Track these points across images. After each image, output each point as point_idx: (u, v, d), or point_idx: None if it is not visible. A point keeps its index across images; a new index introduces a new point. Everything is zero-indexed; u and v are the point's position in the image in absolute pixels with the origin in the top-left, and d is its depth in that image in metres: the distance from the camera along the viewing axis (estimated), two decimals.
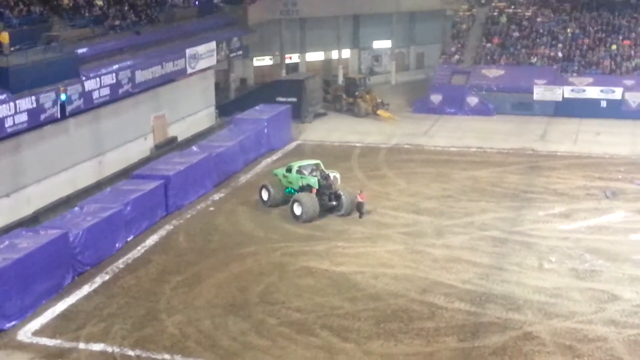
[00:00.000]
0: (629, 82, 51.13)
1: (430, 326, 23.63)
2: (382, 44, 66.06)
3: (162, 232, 32.02)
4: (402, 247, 29.79)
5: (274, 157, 42.80)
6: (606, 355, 21.85)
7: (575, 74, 52.78)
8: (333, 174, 34.27)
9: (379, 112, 50.33)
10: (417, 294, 25.74)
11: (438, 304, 25.08)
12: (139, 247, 30.38)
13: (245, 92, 55.69)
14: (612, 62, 53.43)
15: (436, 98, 53.22)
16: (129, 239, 30.79)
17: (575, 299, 25.28)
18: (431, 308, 24.78)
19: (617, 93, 50.69)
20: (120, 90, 38.01)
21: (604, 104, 50.89)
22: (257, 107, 46.18)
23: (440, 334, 23.16)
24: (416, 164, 40.97)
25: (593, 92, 51.16)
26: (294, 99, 50.00)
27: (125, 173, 37.35)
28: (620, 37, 55.74)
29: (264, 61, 61.30)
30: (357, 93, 51.83)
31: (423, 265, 28.03)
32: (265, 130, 43.33)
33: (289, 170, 34.56)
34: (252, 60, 60.00)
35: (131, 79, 38.70)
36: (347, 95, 52.53)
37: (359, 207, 33.01)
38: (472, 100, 52.71)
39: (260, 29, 57.15)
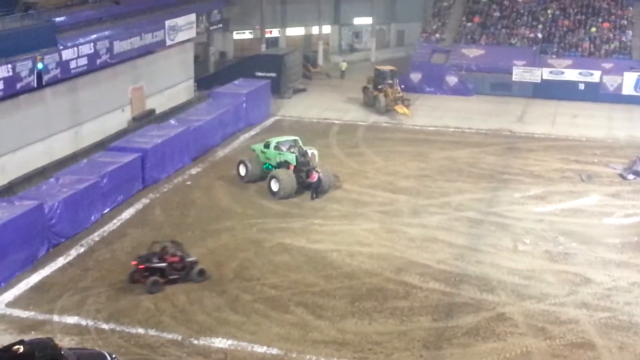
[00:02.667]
0: (607, 65, 51.40)
1: (404, 305, 23.73)
2: (362, 21, 65.84)
3: (138, 206, 31.88)
4: (379, 226, 29.87)
5: (252, 132, 42.68)
6: (577, 338, 22.06)
7: (554, 56, 52.96)
8: (311, 151, 34.22)
9: (397, 107, 46.40)
10: (392, 273, 25.84)
11: (413, 283, 25.19)
12: (115, 220, 30.25)
13: (224, 66, 55.46)
14: (591, 45, 53.65)
15: (416, 76, 53.22)
16: (105, 212, 30.63)
17: (548, 281, 25.51)
18: (406, 287, 24.89)
19: (595, 76, 50.98)
20: (98, 61, 37.66)
21: (582, 86, 51.16)
22: (236, 82, 45.97)
23: (414, 314, 23.27)
24: (394, 143, 41.03)
25: (571, 74, 51.42)
26: (274, 74, 49.78)
27: (102, 145, 37.08)
28: (600, 20, 55.91)
29: (244, 35, 60.99)
30: (380, 86, 47.83)
31: (399, 245, 28.13)
32: (244, 105, 43.15)
33: (267, 146, 34.46)
34: (232, 33, 59.70)
35: (109, 50, 38.34)
36: (373, 87, 48.34)
37: (309, 187, 32.73)
38: (452, 79, 52.77)
39: (241, 2, 56.88)
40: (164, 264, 24.72)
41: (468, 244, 28.41)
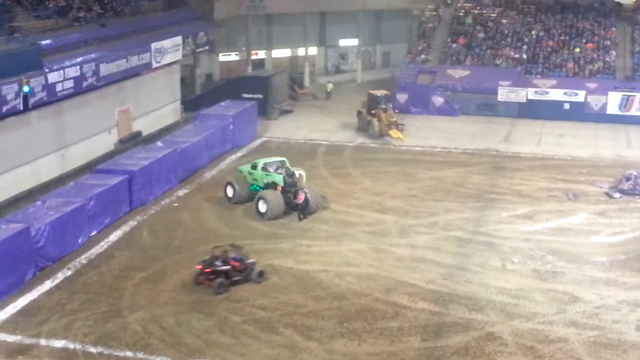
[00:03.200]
0: (591, 85, 51.72)
1: (393, 326, 23.70)
2: (348, 42, 66.11)
3: (125, 228, 31.74)
4: (367, 246, 29.85)
5: (239, 154, 42.66)
6: (567, 357, 22.09)
7: (539, 76, 53.30)
8: (298, 172, 34.22)
9: (391, 132, 45.49)
10: (381, 294, 25.81)
11: (402, 303, 25.17)
12: (102, 243, 30.10)
13: (211, 88, 55.45)
14: (576, 65, 54.04)
15: (402, 97, 53.38)
16: (92, 234, 30.49)
17: (537, 300, 25.53)
18: (395, 307, 24.86)
19: (580, 96, 51.31)
20: (85, 83, 37.68)
21: (567, 106, 51.43)
22: (222, 103, 46.02)
23: (403, 334, 23.23)
24: (381, 163, 41.11)
25: (556, 94, 51.73)
26: (260, 96, 49.83)
27: (89, 167, 36.96)
28: (584, 40, 56.36)
29: (230, 57, 61.05)
30: (373, 111, 46.88)
31: (387, 265, 28.12)
32: (231, 127, 43.18)
33: (254, 167, 34.46)
34: (218, 55, 59.74)
35: (95, 72, 38.38)
36: (367, 112, 47.37)
37: (297, 208, 32.71)
38: (438, 100, 52.97)
39: (227, 24, 56.98)
40: (227, 267, 26.36)
41: (456, 263, 28.43)
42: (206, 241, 30.08)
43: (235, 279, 26.29)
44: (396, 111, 48.71)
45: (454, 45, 57.82)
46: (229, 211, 33.61)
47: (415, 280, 26.89)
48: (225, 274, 26.17)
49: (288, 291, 26.00)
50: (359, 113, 48.32)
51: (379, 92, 48.16)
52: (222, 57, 60.44)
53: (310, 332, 23.24)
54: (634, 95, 50.62)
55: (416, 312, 24.65)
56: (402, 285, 26.44)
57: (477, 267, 28.12)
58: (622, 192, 35.44)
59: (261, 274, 26.71)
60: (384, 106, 46.82)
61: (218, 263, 26.37)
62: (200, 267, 26.44)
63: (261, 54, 62.59)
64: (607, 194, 35.74)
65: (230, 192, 34.45)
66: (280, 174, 33.69)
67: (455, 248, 29.84)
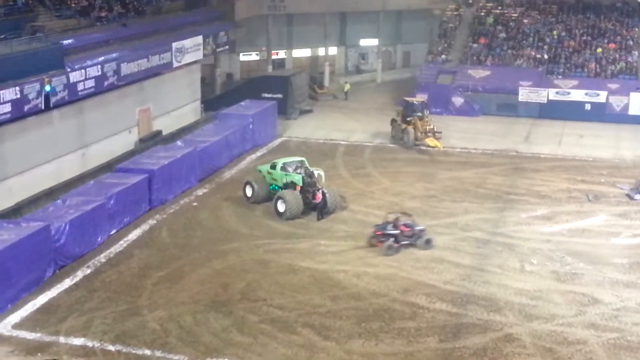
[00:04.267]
0: (613, 86, 51.43)
1: (411, 326, 23.66)
2: (368, 42, 66.07)
3: (145, 227, 31.89)
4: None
5: (259, 154, 42.75)
6: (585, 358, 21.99)
7: (560, 77, 53.03)
8: (317, 172, 34.25)
9: (427, 140, 43.39)
10: (398, 294, 25.77)
11: (420, 304, 25.13)
12: (121, 242, 30.25)
13: (231, 88, 55.60)
14: (597, 65, 53.70)
15: (422, 97, 53.15)
16: (111, 233, 30.66)
17: (556, 302, 25.41)
18: (413, 308, 24.83)
19: (602, 96, 51.02)
20: (106, 83, 37.92)
21: (588, 106, 51.17)
22: (242, 103, 46.12)
23: (421, 334, 23.20)
24: (401, 163, 41.06)
25: (578, 94, 51.48)
26: (280, 95, 49.92)
27: (109, 166, 37.12)
28: (606, 41, 56.01)
29: (250, 56, 61.21)
30: (409, 119, 44.78)
31: (405, 265, 28.06)
32: (251, 126, 43.27)
33: (273, 167, 34.51)
34: (238, 55, 59.94)
35: (117, 72, 38.62)
36: (402, 120, 45.19)
37: (316, 208, 32.76)
38: (458, 100, 52.84)
39: (247, 24, 57.16)
40: (396, 231, 29.34)
41: (475, 264, 28.35)
42: (225, 240, 30.27)
43: (404, 242, 29.25)
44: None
45: (475, 45, 57.62)
46: (248, 211, 33.70)
47: (433, 280, 26.85)
48: (395, 238, 29.07)
49: (306, 291, 26.02)
50: (393, 121, 46.08)
51: (416, 100, 46.72)
52: (243, 57, 60.63)
53: (328, 332, 23.26)
54: None
55: (434, 312, 24.60)
56: (420, 286, 26.40)
57: (496, 268, 28.02)
58: None
59: (429, 242, 29.43)
60: (419, 114, 44.90)
61: (390, 227, 29.30)
62: (373, 230, 29.53)
63: (281, 54, 62.71)
64: (628, 195, 35.49)
65: (249, 191, 34.54)
66: (299, 173, 33.73)
67: (474, 249, 29.74)
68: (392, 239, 29.14)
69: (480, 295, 25.77)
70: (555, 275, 27.44)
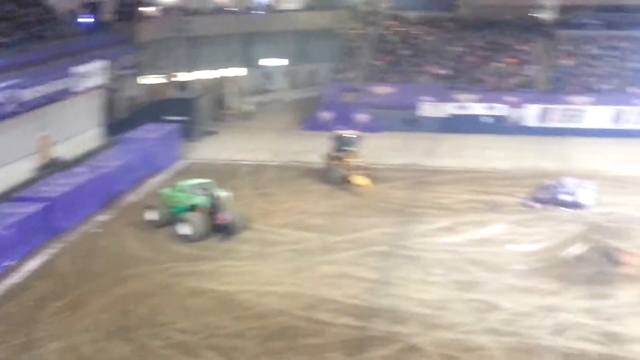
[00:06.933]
0: (512, 99, 52.85)
1: (316, 342, 23.70)
2: (274, 62, 66.35)
3: (44, 256, 31.08)
4: (289, 265, 29.82)
5: (163, 177, 42.24)
6: None
7: (461, 91, 54.19)
8: (222, 193, 34.08)
9: (354, 178, 39.33)
10: (303, 311, 25.78)
11: (324, 320, 25.19)
12: (19, 272, 29.43)
13: (134, 111, 54.90)
14: (496, 80, 55.12)
15: (327, 115, 53.74)
16: (9, 264, 29.81)
17: (457, 310, 25.83)
18: (317, 325, 24.87)
19: (501, 109, 52.39)
20: (3, 110, 36.97)
21: (488, 119, 52.46)
22: (145, 126, 45.62)
23: (326, 350, 23.25)
24: (305, 182, 41.17)
25: (478, 108, 52.74)
26: (184, 118, 49.60)
27: (7, 195, 36.18)
28: (504, 56, 57.58)
29: (154, 79, 60.64)
30: (337, 155, 40.99)
31: (309, 282, 28.11)
32: (154, 150, 42.80)
33: (176, 189, 34.21)
34: (141, 78, 59.30)
35: (15, 98, 37.69)
36: (330, 156, 41.41)
37: (220, 229, 32.59)
38: (362, 117, 53.43)
39: (152, 47, 56.64)
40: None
41: (379, 278, 28.59)
42: (128, 266, 29.75)
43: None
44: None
45: (379, 63, 58.47)
46: (152, 235, 33.24)
47: (338, 296, 26.94)
48: None
49: (210, 313, 25.78)
50: (326, 157, 41.90)
51: (346, 133, 42.08)
52: (147, 80, 60.00)
53: (232, 353, 23.11)
54: (553, 108, 51.95)
55: (339, 328, 24.69)
56: (324, 302, 26.45)
57: (400, 280, 28.32)
58: (540, 201, 36.18)
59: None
60: (350, 149, 41.03)
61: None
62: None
63: (186, 76, 62.30)
64: (525, 204, 36.42)
65: (152, 215, 34.11)
66: (203, 195, 33.51)
67: (378, 263, 30.01)
68: None
69: (385, 308, 25.98)
70: (457, 285, 27.89)
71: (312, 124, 53.80)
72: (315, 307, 26.10)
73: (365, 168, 40.25)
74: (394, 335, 24.13)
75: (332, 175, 40.34)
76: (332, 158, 41.19)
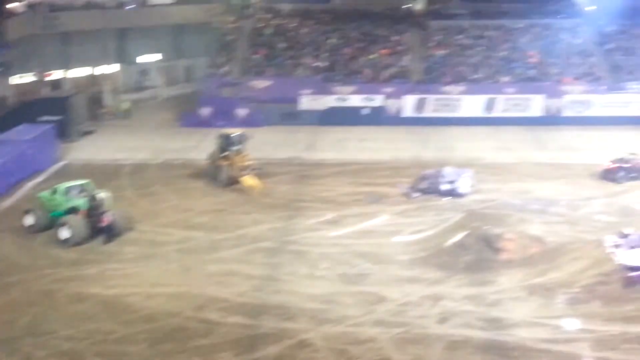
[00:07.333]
0: (388, 90, 53.85)
1: (206, 343, 23.53)
2: (150, 58, 65.27)
3: None
4: (176, 265, 29.48)
5: (39, 179, 40.89)
6: (376, 355, 22.79)
7: (339, 83, 54.77)
8: (102, 194, 33.27)
9: (243, 179, 38.27)
10: (192, 312, 25.54)
11: (214, 319, 25.04)
12: None
13: (4, 112, 52.86)
14: (373, 71, 55.99)
15: (205, 111, 53.34)
16: None
17: (346, 304, 26.13)
18: (207, 324, 24.69)
19: (378, 101, 53.31)
20: None
21: (366, 111, 53.27)
22: (18, 128, 43.96)
23: (216, 350, 23.12)
24: (188, 179, 40.73)
25: (356, 100, 53.47)
26: (59, 117, 48.11)
27: None
28: (379, 47, 58.53)
29: (25, 78, 58.59)
30: (224, 154, 39.67)
31: (197, 282, 27.87)
32: (29, 152, 41.35)
33: (54, 192, 33.20)
34: (12, 77, 57.17)
35: None
36: (217, 155, 40.06)
37: (102, 231, 31.86)
38: (242, 111, 53.30)
39: (20, 45, 54.67)
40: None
41: (267, 274, 28.62)
42: (6, 274, 28.63)
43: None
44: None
45: (255, 56, 58.41)
46: (30, 241, 32.10)
47: (227, 294, 26.81)
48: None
49: (96, 318, 25.17)
50: (211, 156, 40.77)
51: (234, 132, 40.90)
52: (17, 79, 57.90)
53: (121, 358, 22.69)
54: (428, 98, 53.25)
55: (228, 327, 24.59)
56: (213, 301, 26.28)
57: (288, 276, 28.45)
58: (421, 191, 37.02)
59: None
60: (237, 147, 39.99)
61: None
62: None
63: (59, 74, 60.53)
64: (406, 194, 37.17)
65: (29, 220, 32.96)
66: (83, 197, 32.67)
67: (265, 259, 30.05)
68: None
69: (274, 305, 26.03)
70: (344, 278, 28.22)
71: (192, 120, 53.31)
72: (204, 307, 25.90)
73: (254, 168, 39.28)
74: (284, 332, 24.21)
75: (221, 177, 39.11)
76: (220, 158, 39.78)
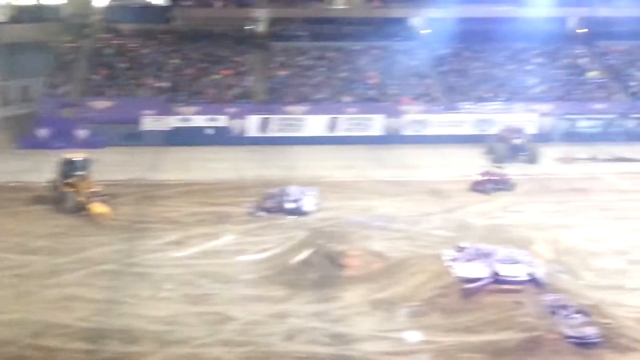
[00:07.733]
0: (232, 110, 53.98)
1: None
2: None
3: None
4: (13, 291, 28.25)
5: None
6: None
7: (182, 104, 54.36)
8: None
9: (92, 206, 36.46)
10: (29, 339, 24.48)
11: (53, 346, 24.11)
12: None
13: None
14: (216, 91, 55.92)
15: (43, 132, 51.58)
16: None
17: (191, 324, 25.82)
18: (46, 352, 23.77)
19: (222, 121, 53.36)
20: None
21: (211, 131, 53.13)
22: None
23: None
24: (23, 202, 39.04)
25: (200, 120, 53.28)
26: None
27: None
28: (221, 68, 58.59)
29: None
30: (69, 180, 37.85)
31: (35, 308, 26.75)
32: None
33: None
34: None
35: None
36: (60, 181, 38.11)
37: None
38: (82, 132, 51.93)
39: None
40: None
41: (109, 297, 27.90)
42: None
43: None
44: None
45: (95, 76, 57.11)
46: None
47: (67, 320, 25.90)
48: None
49: None
50: (52, 182, 38.75)
51: (77, 156, 39.43)
52: None
53: None
54: (272, 118, 53.76)
55: (69, 353, 23.78)
56: (53, 327, 25.32)
57: (130, 298, 27.83)
58: (266, 210, 37.23)
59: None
60: (82, 173, 38.42)
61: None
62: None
63: None
64: (252, 213, 37.26)
65: None
66: None
67: (107, 282, 29.28)
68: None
69: (116, 328, 25.37)
70: (188, 299, 27.90)
71: (29, 142, 51.35)
72: (43, 333, 24.92)
73: (102, 194, 37.54)
74: (127, 356, 23.69)
75: (67, 204, 37.20)
76: (64, 185, 37.91)
